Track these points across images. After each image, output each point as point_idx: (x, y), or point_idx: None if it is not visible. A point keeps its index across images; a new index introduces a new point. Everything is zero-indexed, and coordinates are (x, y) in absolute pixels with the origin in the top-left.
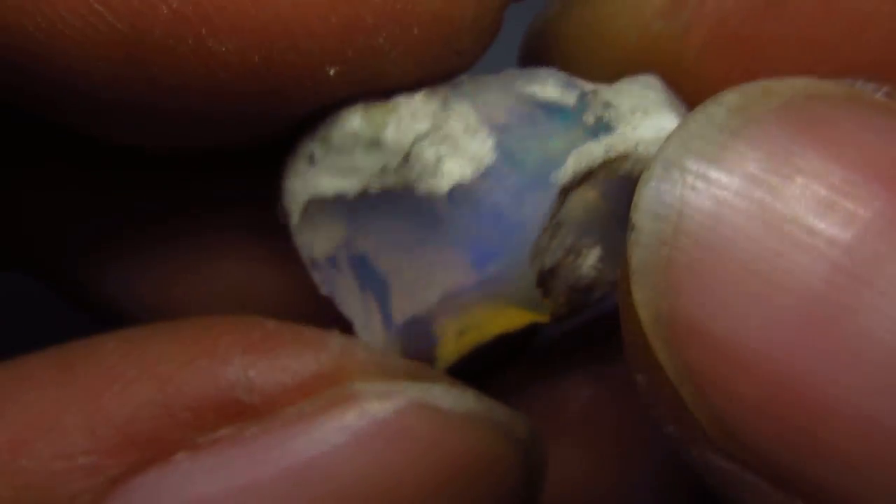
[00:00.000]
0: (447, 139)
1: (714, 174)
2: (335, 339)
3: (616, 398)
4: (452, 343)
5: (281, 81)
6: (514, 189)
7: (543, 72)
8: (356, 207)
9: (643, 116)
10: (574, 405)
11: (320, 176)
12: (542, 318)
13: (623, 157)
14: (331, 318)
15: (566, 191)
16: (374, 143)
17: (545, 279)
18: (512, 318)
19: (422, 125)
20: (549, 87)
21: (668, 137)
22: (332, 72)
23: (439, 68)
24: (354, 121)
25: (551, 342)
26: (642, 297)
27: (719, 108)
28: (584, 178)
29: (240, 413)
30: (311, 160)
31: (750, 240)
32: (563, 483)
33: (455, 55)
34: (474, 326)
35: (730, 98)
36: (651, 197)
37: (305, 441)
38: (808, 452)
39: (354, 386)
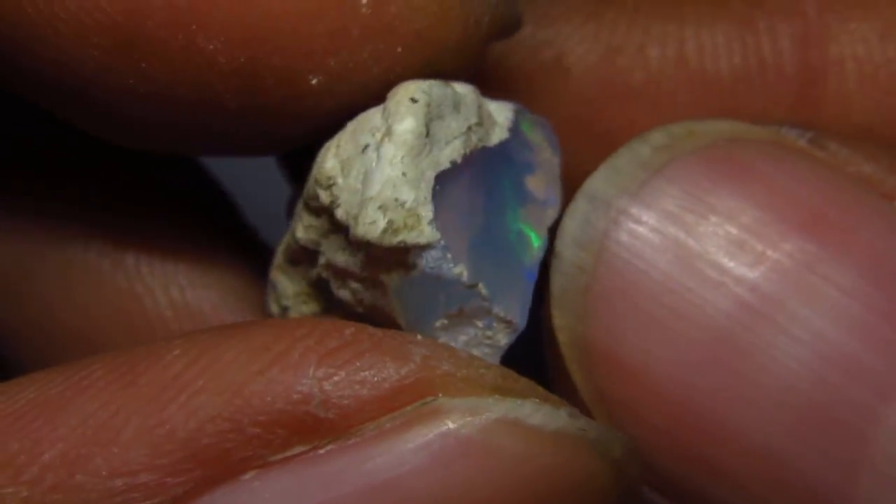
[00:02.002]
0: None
1: (634, 209)
2: (418, 348)
3: None
4: None
5: (265, 86)
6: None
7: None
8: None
9: None
10: None
11: (436, 148)
12: None
13: None
14: None
15: None
16: (457, 105)
17: None
18: None
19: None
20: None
21: (595, 171)
22: (314, 81)
23: None
24: (437, 88)
25: None
26: (561, 322)
27: (644, 145)
28: None
29: (314, 428)
30: (427, 133)
31: (662, 273)
32: None
33: (434, 77)
34: None
35: (655, 136)
36: (574, 227)
37: (384, 461)
38: (709, 477)
39: (438, 400)
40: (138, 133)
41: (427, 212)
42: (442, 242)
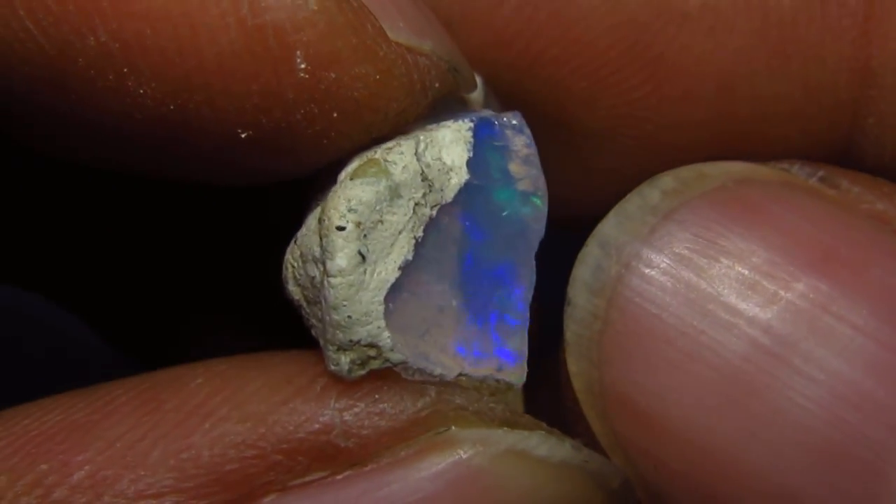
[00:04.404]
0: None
1: (645, 254)
2: (431, 384)
3: None
4: None
5: (191, 134)
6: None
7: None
8: None
9: None
10: None
11: (380, 262)
12: None
13: None
14: None
15: None
16: (395, 191)
17: None
18: None
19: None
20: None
21: (606, 216)
22: (243, 135)
23: (351, 147)
24: (367, 195)
25: None
26: (576, 369)
27: (654, 190)
28: None
29: (334, 456)
30: (364, 259)
31: (675, 317)
32: None
33: (371, 140)
34: None
35: (665, 181)
36: (586, 274)
37: (399, 487)
38: None
39: (450, 431)
40: (74, 152)
41: (384, 340)
42: (409, 361)
